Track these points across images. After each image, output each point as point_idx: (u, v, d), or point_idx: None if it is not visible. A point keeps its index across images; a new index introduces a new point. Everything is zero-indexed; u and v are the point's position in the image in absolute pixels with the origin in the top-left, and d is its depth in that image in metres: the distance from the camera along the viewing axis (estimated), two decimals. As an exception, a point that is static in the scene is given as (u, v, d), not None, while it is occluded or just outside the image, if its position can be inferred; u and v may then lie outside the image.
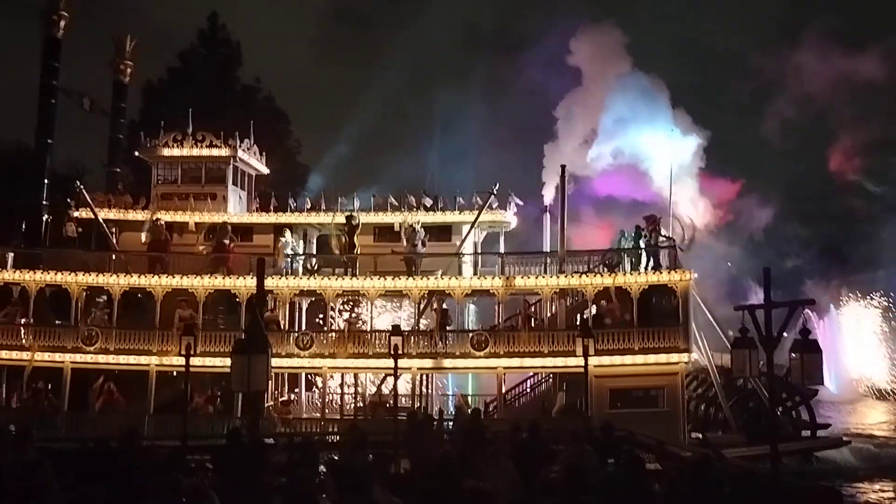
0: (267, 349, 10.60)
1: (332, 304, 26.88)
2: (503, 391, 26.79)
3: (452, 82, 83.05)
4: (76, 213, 27.42)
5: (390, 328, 22.91)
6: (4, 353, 25.41)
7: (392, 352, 21.30)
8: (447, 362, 24.95)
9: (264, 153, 30.62)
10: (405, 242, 26.12)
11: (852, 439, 26.97)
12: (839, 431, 32.57)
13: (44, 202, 27.80)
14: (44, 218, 27.40)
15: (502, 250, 28.77)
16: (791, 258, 59.75)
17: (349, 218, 26.38)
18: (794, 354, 11.67)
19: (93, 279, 25.59)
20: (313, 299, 28.22)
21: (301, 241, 28.17)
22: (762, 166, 56.64)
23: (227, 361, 23.60)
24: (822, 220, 59.78)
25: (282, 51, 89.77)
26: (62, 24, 28.25)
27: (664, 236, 26.20)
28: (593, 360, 24.71)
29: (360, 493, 9.82)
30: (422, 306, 26.10)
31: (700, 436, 25.17)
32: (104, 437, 13.05)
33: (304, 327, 28.40)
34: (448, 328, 25.73)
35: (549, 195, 31.26)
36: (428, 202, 27.98)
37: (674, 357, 24.72)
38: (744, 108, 58.93)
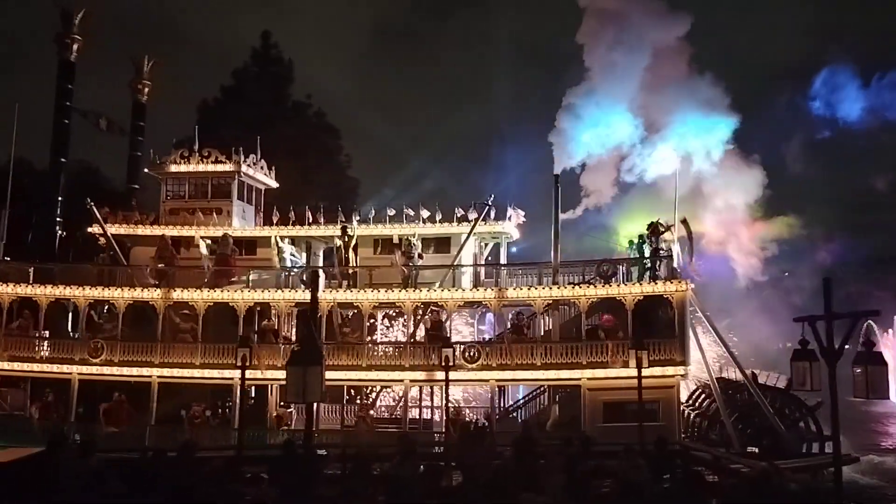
0: (321, 361, 10.71)
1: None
2: (502, 404, 26.76)
3: (501, 94, 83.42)
4: (90, 229, 28.47)
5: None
6: (17, 365, 26.45)
7: (443, 363, 21.50)
8: (439, 374, 24.78)
9: (273, 168, 31.19)
10: (401, 254, 26.17)
11: (862, 455, 25.75)
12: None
13: (58, 218, 28.93)
14: (57, 234, 28.54)
15: (504, 261, 28.66)
16: (850, 270, 57.57)
17: (344, 230, 26.62)
18: (857, 368, 11.31)
19: (98, 293, 26.44)
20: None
21: (304, 254, 28.62)
22: (813, 190, 54.52)
23: (225, 373, 24.57)
24: (875, 231, 57.54)
25: (330, 67, 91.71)
26: (75, 47, 29.47)
27: (664, 247, 25.62)
28: (586, 373, 24.55)
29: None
30: (418, 318, 26.12)
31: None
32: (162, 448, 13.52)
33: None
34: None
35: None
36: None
37: (669, 370, 24.14)
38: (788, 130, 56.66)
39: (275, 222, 28.37)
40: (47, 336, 27.20)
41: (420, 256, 26.17)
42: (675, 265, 24.99)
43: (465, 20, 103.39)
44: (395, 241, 26.87)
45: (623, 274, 25.70)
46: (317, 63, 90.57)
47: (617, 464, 13.17)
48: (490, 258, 29.68)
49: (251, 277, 26.54)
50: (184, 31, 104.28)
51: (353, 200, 45.86)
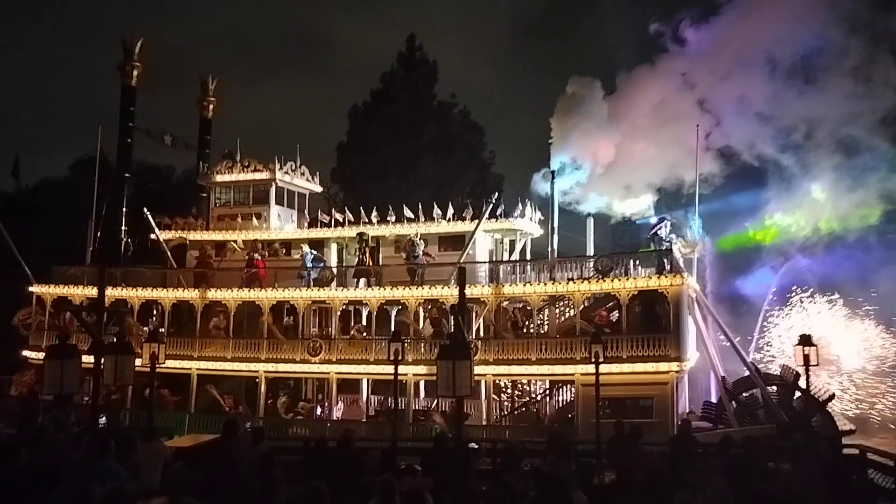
0: (469, 355, 10.65)
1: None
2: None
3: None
4: (152, 236, 31.53)
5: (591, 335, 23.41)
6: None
7: (594, 359, 21.33)
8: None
9: (316, 173, 33.04)
10: (405, 254, 27.23)
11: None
12: None
13: (123, 227, 32.23)
14: (122, 241, 31.86)
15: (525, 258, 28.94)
16: None
17: (360, 235, 27.97)
18: None
19: (147, 293, 29.35)
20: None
21: (332, 254, 30.27)
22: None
23: (254, 367, 26.59)
24: None
25: (472, 65, 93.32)
26: (135, 73, 32.68)
27: (666, 240, 25.10)
28: (580, 368, 24.51)
29: (561, 502, 9.70)
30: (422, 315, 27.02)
31: None
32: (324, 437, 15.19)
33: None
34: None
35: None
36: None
37: (663, 366, 23.68)
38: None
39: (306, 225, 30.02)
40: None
41: (426, 254, 27.03)
42: (674, 259, 24.41)
43: (603, 13, 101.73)
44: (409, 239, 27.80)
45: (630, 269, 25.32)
46: (460, 63, 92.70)
47: (784, 468, 12.90)
48: (523, 255, 30.00)
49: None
50: (335, 41, 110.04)
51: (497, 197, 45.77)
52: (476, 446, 19.66)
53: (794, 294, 39.06)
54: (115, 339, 18.37)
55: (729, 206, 40.38)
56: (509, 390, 29.24)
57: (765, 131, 36.13)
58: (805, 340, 20.11)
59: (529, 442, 18.03)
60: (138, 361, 15.76)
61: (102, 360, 13.29)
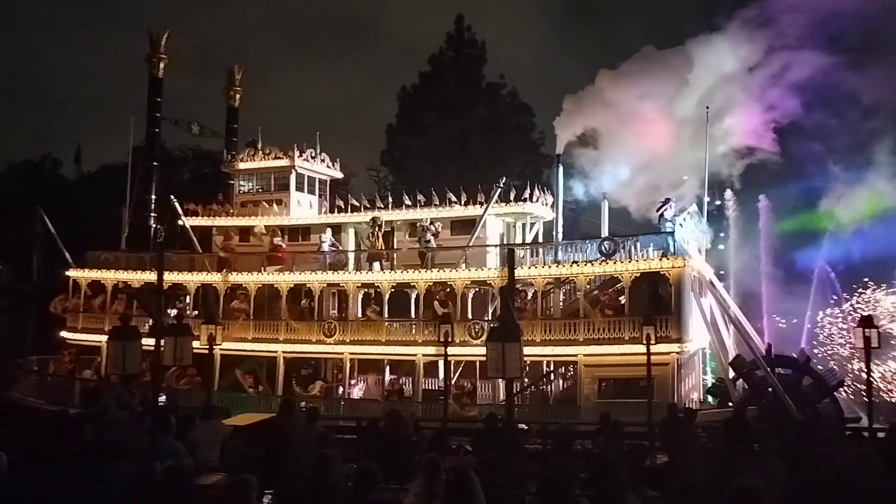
0: (519, 337, 10.55)
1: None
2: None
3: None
4: (180, 222, 32.79)
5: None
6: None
7: (645, 341, 21.55)
8: (449, 349, 26.21)
9: (337, 159, 33.85)
10: (418, 238, 27.97)
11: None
12: None
13: (152, 214, 33.57)
14: (151, 227, 33.24)
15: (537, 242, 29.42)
16: None
17: (374, 220, 28.80)
18: None
19: (174, 277, 30.61)
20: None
21: (350, 239, 31.19)
22: None
23: (273, 347, 27.66)
24: None
25: (521, 45, 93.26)
26: (161, 65, 33.85)
27: (671, 220, 25.37)
28: (582, 349, 25.05)
29: (612, 484, 9.61)
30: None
31: None
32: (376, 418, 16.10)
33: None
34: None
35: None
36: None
37: (664, 347, 24.02)
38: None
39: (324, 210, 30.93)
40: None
41: (435, 236, 27.74)
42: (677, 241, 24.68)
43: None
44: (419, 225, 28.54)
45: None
46: (508, 43, 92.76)
47: (842, 451, 12.24)
48: (537, 239, 30.50)
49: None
50: (382, 24, 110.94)
51: (546, 178, 45.76)
52: (526, 427, 20.28)
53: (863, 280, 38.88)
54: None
55: (789, 191, 40.43)
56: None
57: (822, 115, 35.88)
58: (866, 322, 19.29)
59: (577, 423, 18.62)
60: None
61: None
